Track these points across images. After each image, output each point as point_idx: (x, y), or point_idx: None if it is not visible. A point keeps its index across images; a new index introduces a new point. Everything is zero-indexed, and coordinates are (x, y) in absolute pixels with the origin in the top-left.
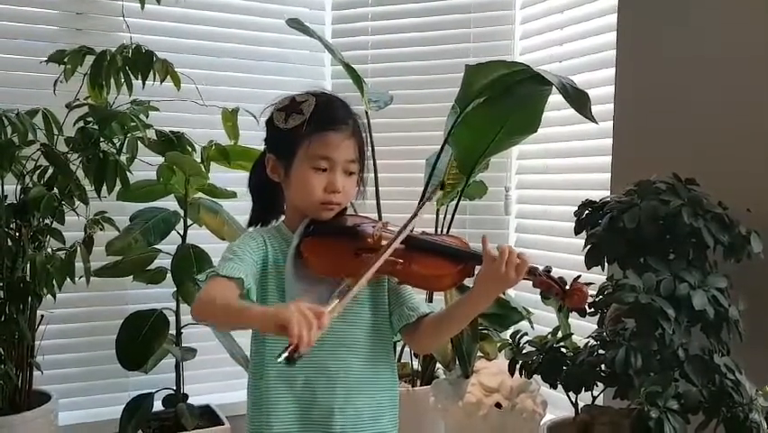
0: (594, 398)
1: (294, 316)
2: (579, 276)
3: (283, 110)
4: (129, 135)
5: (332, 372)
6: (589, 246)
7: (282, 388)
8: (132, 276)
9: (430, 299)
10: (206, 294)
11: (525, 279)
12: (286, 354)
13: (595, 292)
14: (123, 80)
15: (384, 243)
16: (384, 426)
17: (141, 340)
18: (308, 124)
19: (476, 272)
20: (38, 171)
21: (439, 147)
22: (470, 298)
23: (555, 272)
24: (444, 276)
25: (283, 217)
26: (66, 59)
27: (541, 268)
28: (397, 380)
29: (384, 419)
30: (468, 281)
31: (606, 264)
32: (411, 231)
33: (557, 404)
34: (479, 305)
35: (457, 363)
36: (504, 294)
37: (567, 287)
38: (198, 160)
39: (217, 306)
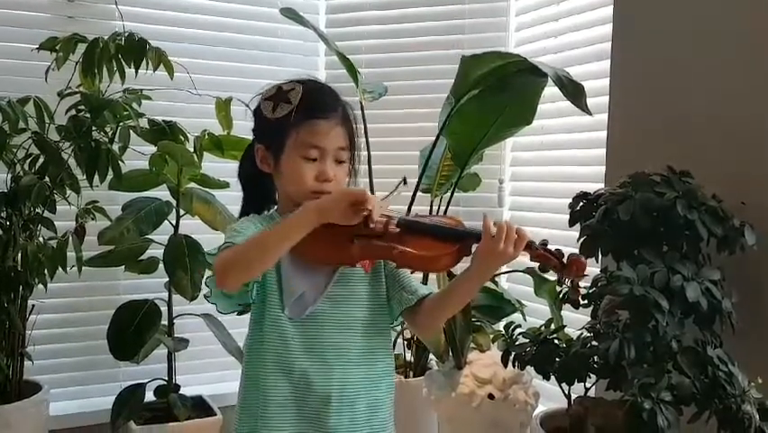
0: (587, 389)
1: (356, 190)
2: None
3: (270, 99)
4: (121, 124)
5: (329, 359)
6: (583, 238)
7: (279, 376)
8: (124, 266)
9: (425, 282)
10: (226, 257)
11: (522, 253)
12: (364, 216)
13: (589, 284)
14: (115, 68)
15: (379, 228)
16: (381, 418)
17: (133, 330)
18: (296, 112)
19: (473, 250)
20: (29, 160)
21: (433, 138)
22: (469, 274)
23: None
24: (442, 256)
25: (276, 207)
26: (58, 47)
27: (537, 242)
28: (393, 371)
29: (381, 409)
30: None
31: (600, 256)
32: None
33: (550, 396)
34: (478, 280)
35: (450, 354)
36: (497, 286)
37: (564, 259)
38: (191, 149)
39: (249, 247)
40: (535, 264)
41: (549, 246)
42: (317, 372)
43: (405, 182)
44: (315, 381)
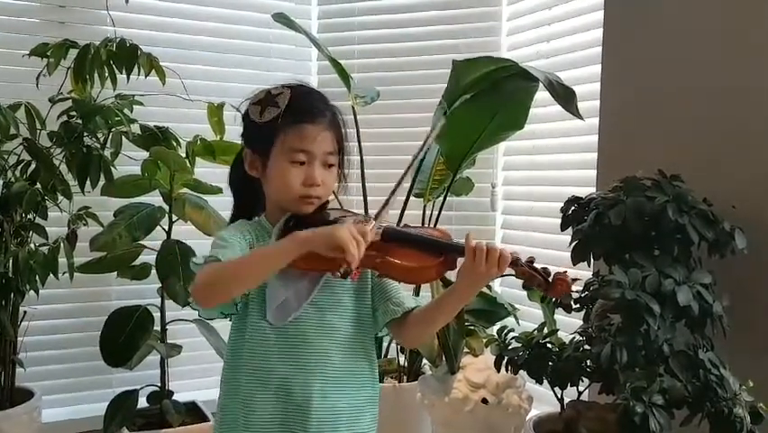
0: (580, 393)
1: (347, 238)
2: (565, 272)
3: (258, 104)
4: (113, 130)
5: (309, 368)
6: (575, 242)
7: (260, 383)
8: (116, 272)
9: (416, 293)
10: (207, 274)
11: (508, 270)
12: (341, 272)
13: (581, 288)
14: (107, 74)
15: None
16: (362, 425)
17: (125, 336)
18: (283, 116)
19: (458, 264)
20: (20, 166)
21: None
22: (454, 291)
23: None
24: (425, 268)
25: (265, 212)
26: (49, 53)
27: (523, 259)
28: (377, 377)
29: (363, 419)
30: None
31: (592, 260)
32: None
33: (543, 399)
34: (463, 298)
35: (443, 358)
36: (490, 290)
37: (550, 278)
38: (183, 155)
39: (231, 272)
40: (521, 281)
41: (535, 264)
42: (298, 378)
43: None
44: (296, 388)
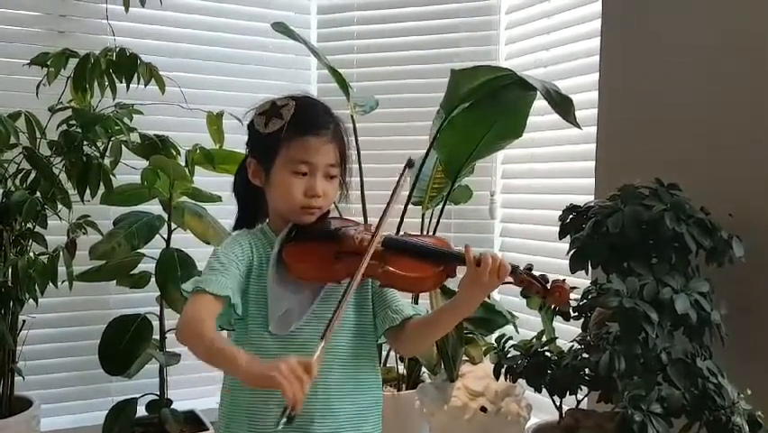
0: (578, 401)
1: (285, 379)
2: (563, 280)
3: (263, 114)
4: (113, 139)
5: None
6: (573, 251)
7: (263, 394)
8: (115, 280)
9: (416, 301)
10: (192, 316)
11: (507, 279)
12: (285, 419)
13: (579, 296)
14: (106, 83)
15: (365, 245)
16: (366, 428)
17: (124, 345)
18: (288, 128)
19: (458, 272)
20: (20, 175)
21: (424, 151)
22: (455, 303)
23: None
24: (426, 278)
25: (268, 219)
26: (49, 62)
27: (522, 267)
28: (380, 383)
29: (367, 424)
30: (453, 284)
31: (590, 268)
32: (383, 236)
33: (542, 408)
34: (464, 310)
35: (442, 366)
36: (489, 298)
37: (548, 285)
38: (183, 163)
39: (203, 342)
40: (520, 289)
41: (533, 272)
42: None
43: (410, 165)
44: None
